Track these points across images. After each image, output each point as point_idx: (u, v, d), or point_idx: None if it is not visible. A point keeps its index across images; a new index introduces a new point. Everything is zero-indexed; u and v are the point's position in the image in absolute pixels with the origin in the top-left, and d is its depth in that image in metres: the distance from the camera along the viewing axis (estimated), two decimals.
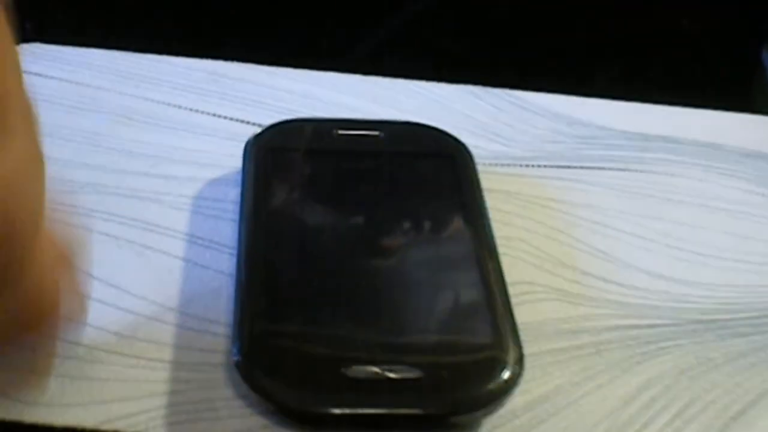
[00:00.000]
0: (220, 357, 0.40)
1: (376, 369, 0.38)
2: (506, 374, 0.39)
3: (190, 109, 0.52)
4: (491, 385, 0.38)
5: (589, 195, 0.51)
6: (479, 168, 0.49)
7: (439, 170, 0.48)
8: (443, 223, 0.45)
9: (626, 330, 0.44)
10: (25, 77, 0.32)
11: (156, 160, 0.49)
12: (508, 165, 0.52)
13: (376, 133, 0.49)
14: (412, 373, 0.38)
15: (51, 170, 0.46)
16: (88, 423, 0.37)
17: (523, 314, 0.42)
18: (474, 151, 0.49)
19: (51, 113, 0.51)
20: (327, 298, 0.41)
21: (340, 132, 0.48)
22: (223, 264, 0.44)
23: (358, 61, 0.56)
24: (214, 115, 0.52)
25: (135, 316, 0.41)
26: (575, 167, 0.52)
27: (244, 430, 0.38)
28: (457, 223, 0.45)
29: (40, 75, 0.53)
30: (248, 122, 0.52)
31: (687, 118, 0.57)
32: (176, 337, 0.41)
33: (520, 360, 0.39)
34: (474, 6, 0.63)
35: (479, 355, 0.39)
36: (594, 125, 0.55)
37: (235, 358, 0.38)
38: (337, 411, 0.37)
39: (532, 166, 0.52)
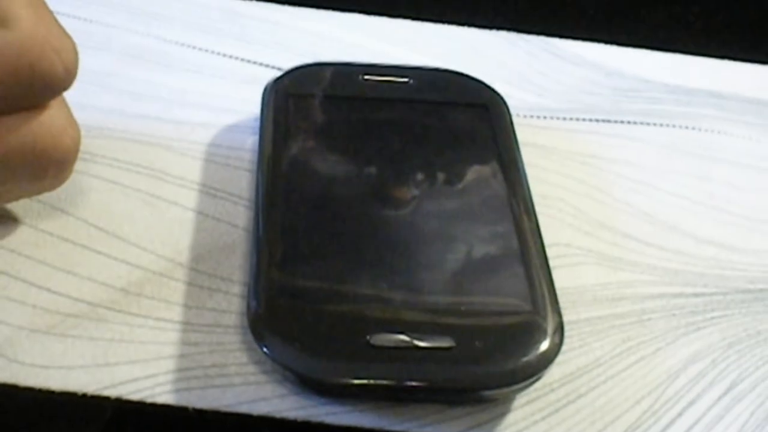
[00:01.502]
0: (233, 318, 0.37)
1: (403, 337, 0.35)
2: (545, 345, 0.36)
3: (205, 50, 0.49)
4: (528, 357, 0.35)
5: (630, 151, 0.48)
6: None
7: (471, 121, 0.44)
8: (477, 179, 0.42)
9: (670, 298, 0.41)
10: None
11: (167, 103, 0.46)
12: (543, 117, 0.48)
13: (404, 79, 0.45)
14: (442, 342, 0.35)
15: None
16: (90, 388, 0.35)
17: (559, 278, 0.39)
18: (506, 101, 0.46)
19: None
20: (351, 258, 0.38)
21: (366, 77, 0.45)
22: (237, 217, 0.41)
23: (385, 3, 0.53)
24: (230, 56, 0.49)
25: (142, 271, 0.38)
26: (615, 121, 0.49)
27: (258, 399, 0.35)
28: (492, 179, 0.42)
29: None
30: (267, 65, 0.48)
31: (733, 72, 0.54)
32: (186, 296, 0.38)
33: (559, 329, 0.36)
34: None
35: (515, 323, 0.36)
36: (634, 77, 0.52)
37: (250, 320, 0.35)
38: (360, 381, 0.34)
39: (569, 119, 0.49)
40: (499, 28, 0.53)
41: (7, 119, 0.34)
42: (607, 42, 0.54)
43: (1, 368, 0.35)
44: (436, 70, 0.47)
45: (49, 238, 0.39)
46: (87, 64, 0.46)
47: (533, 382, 0.35)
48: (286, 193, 0.39)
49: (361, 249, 0.38)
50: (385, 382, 0.34)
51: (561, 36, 0.54)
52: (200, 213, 0.41)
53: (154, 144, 0.43)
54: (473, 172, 0.42)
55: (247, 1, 0.52)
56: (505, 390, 0.35)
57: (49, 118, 0.35)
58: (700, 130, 0.49)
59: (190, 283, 0.38)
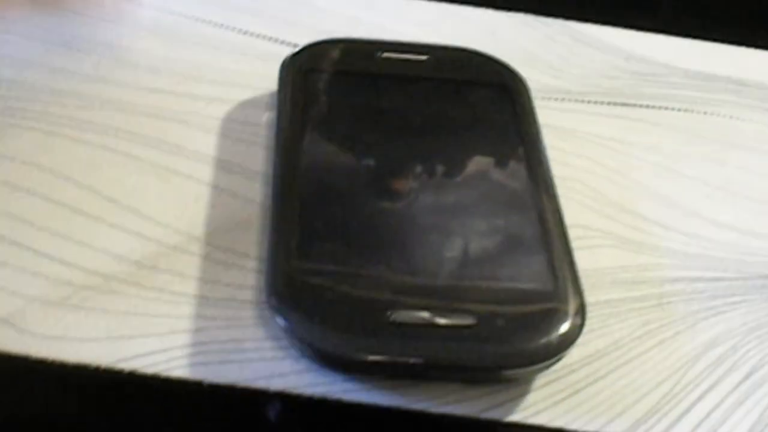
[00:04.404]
0: (249, 293, 0.37)
1: (424, 314, 0.34)
2: (566, 325, 0.35)
3: (221, 25, 0.48)
4: (549, 337, 0.35)
5: (651, 136, 0.47)
6: None
7: (491, 101, 0.44)
8: (498, 159, 0.41)
9: (690, 282, 0.41)
10: None
11: (182, 78, 0.45)
12: (562, 99, 0.48)
13: (423, 57, 0.45)
14: (463, 320, 0.34)
15: (70, 85, 0.43)
16: (104, 360, 0.34)
17: (578, 261, 0.38)
18: None
19: (71, 25, 0.47)
20: (371, 235, 0.37)
21: (385, 54, 0.45)
22: (253, 192, 0.40)
23: None
24: (246, 32, 0.48)
25: (157, 245, 0.38)
26: (635, 105, 0.48)
27: (274, 375, 0.35)
28: (513, 159, 0.41)
29: None
30: (283, 42, 0.48)
31: (753, 58, 0.53)
32: (201, 270, 0.37)
33: (581, 310, 0.36)
34: None
35: (537, 303, 0.36)
36: (653, 62, 0.52)
37: (267, 295, 0.35)
38: (379, 357, 0.34)
39: (588, 102, 0.48)
40: (518, 10, 0.53)
41: None
42: (627, 27, 0.53)
43: (13, 339, 0.34)
44: (456, 48, 0.46)
45: (63, 209, 0.38)
46: (101, 38, 0.46)
47: (554, 363, 0.35)
48: (304, 169, 0.39)
49: (382, 226, 0.38)
50: (404, 358, 0.34)
51: (581, 20, 0.53)
52: (215, 187, 0.40)
53: (169, 118, 0.43)
54: (494, 152, 0.41)
55: None
56: (525, 370, 0.35)
57: None
58: (719, 115, 0.49)
59: (205, 258, 0.38)
